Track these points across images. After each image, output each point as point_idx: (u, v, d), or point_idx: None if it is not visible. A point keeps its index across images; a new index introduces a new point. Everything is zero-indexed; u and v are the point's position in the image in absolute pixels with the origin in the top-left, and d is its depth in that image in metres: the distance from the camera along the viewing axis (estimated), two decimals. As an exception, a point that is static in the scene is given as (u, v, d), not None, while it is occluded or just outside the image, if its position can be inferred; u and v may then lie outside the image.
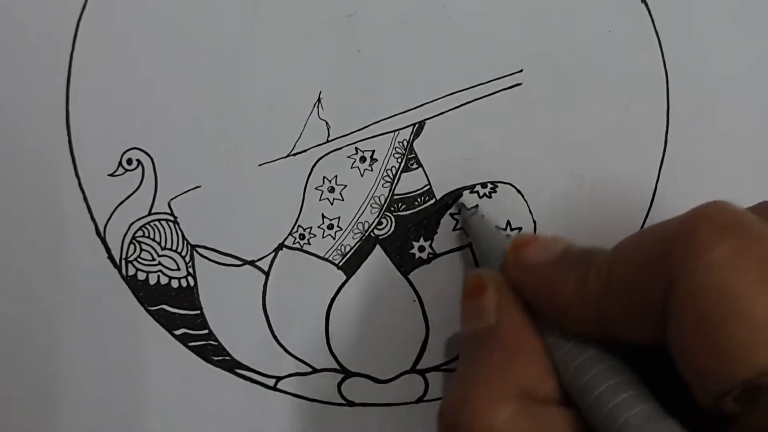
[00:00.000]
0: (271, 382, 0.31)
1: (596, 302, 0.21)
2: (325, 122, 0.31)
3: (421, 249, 0.31)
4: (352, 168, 0.31)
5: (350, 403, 0.31)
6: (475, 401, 0.22)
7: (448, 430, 0.22)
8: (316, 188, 0.31)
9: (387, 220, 0.31)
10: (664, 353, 0.20)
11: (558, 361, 0.23)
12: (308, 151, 0.31)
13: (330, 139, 0.31)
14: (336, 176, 0.31)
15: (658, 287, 0.20)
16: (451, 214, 0.31)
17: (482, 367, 0.23)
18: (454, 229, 0.31)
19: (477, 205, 0.30)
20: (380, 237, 0.31)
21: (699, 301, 0.19)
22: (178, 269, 0.30)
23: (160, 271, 0.30)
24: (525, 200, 0.31)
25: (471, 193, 0.31)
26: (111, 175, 0.30)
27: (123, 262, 0.30)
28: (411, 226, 0.31)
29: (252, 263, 0.30)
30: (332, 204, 0.31)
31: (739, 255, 0.18)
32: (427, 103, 0.31)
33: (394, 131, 0.31)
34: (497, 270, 0.26)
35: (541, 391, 0.22)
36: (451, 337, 0.31)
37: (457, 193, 0.31)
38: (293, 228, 0.31)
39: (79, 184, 0.30)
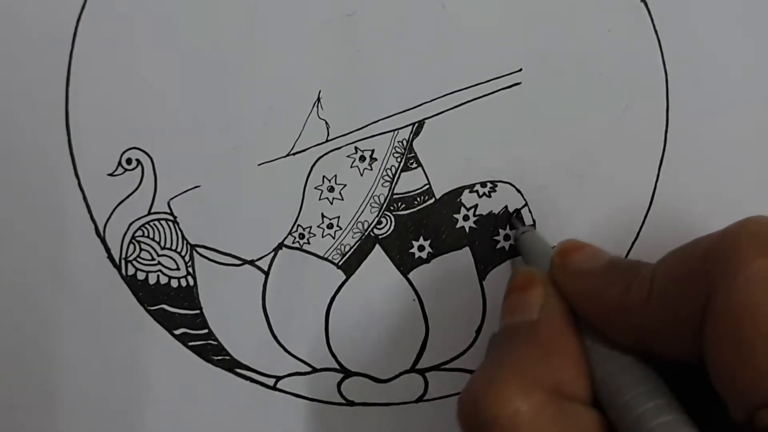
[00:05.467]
0: (271, 381, 0.31)
1: (637, 313, 0.21)
2: (324, 122, 0.31)
3: (421, 248, 0.31)
4: (351, 167, 0.31)
5: (350, 403, 0.31)
6: (503, 385, 0.21)
7: (469, 413, 0.22)
8: (315, 188, 0.31)
9: (387, 220, 0.31)
10: (698, 370, 0.20)
11: (593, 365, 0.23)
12: (308, 151, 0.31)
13: (329, 138, 0.31)
14: (335, 176, 0.31)
15: (696, 301, 0.19)
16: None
17: (516, 357, 0.22)
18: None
19: (533, 224, 0.29)
20: (380, 236, 0.31)
21: (736, 314, 0.18)
22: (178, 269, 0.30)
23: (160, 270, 0.30)
24: (525, 200, 0.31)
25: (471, 192, 0.31)
26: (110, 174, 0.30)
27: (123, 261, 0.30)
28: (411, 226, 0.31)
29: (252, 263, 0.30)
30: (332, 203, 0.31)
31: None
32: (427, 102, 0.31)
33: (394, 131, 0.31)
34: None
35: (572, 390, 0.22)
36: (450, 336, 0.31)
37: (515, 211, 0.31)
38: (293, 227, 0.31)
39: (79, 184, 0.30)
